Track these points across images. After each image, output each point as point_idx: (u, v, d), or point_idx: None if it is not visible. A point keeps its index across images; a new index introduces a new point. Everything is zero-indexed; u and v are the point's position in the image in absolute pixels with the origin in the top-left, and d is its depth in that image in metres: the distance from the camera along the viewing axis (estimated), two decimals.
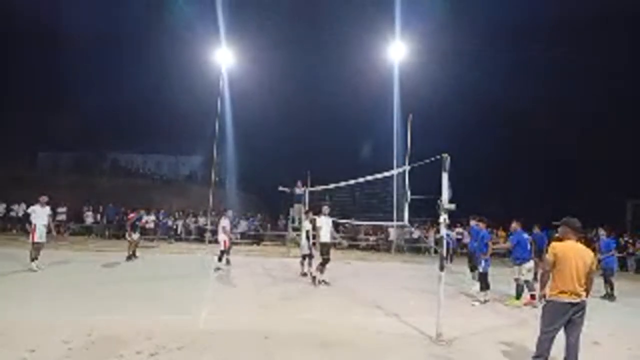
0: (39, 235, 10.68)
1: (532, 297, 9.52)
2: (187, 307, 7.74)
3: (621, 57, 30.35)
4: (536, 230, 11.62)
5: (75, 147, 33.28)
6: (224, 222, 12.83)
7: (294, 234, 18.22)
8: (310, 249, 11.83)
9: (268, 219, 24.75)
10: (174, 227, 22.36)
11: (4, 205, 21.23)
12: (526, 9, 32.73)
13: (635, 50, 30.02)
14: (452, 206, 6.62)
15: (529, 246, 9.82)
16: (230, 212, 13.17)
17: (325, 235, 10.95)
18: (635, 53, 29.85)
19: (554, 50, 30.03)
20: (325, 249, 10.88)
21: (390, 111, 23.76)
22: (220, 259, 12.50)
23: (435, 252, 19.81)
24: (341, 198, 13.83)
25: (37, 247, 10.63)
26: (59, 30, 31.99)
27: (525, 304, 9.47)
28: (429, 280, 9.63)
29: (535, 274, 10.51)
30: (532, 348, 4.95)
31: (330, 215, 11.51)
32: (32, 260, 10.49)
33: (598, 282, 10.57)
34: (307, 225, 12.03)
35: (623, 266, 19.64)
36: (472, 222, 10.79)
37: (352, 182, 13.01)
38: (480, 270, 9.67)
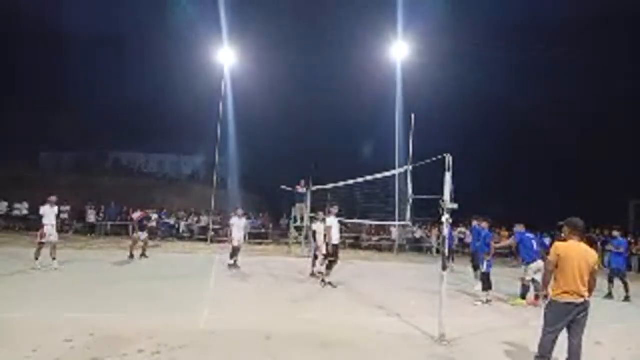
0: (49, 234, 10.72)
1: (537, 297, 9.50)
2: (188, 306, 7.75)
3: (621, 57, 30.27)
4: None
5: (77, 147, 33.34)
6: (233, 221, 12.85)
7: (296, 233, 18.24)
8: (317, 249, 11.78)
9: (270, 218, 24.74)
10: (177, 226, 22.38)
11: (6, 204, 21.26)
12: (527, 9, 32.77)
13: (636, 50, 29.94)
14: (455, 205, 6.61)
15: (534, 246, 9.78)
16: (240, 211, 13.15)
17: (335, 236, 10.82)
18: (635, 53, 29.77)
19: (555, 50, 29.91)
20: (334, 250, 10.77)
21: (392, 111, 23.76)
22: (231, 257, 12.53)
23: (437, 252, 19.78)
24: (343, 198, 13.83)
25: (48, 247, 10.66)
26: (61, 30, 32.12)
27: (529, 305, 9.45)
28: (431, 280, 9.62)
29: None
30: (535, 348, 4.94)
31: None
32: (36, 259, 10.48)
33: (601, 283, 10.57)
34: (314, 226, 11.92)
35: (627, 266, 19.59)
36: (474, 222, 10.80)
37: (353, 182, 13.01)
38: (483, 270, 9.65)
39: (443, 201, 6.59)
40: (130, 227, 13.99)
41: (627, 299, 11.08)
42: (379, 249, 22.61)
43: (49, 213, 10.87)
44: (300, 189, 16.66)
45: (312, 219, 16.85)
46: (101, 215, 22.02)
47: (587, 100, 32.05)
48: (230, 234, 12.79)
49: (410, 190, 8.89)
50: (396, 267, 16.51)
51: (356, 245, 22.70)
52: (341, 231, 11.59)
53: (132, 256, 13.24)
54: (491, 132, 33.83)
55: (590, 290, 4.83)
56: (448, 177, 6.58)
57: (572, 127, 32.06)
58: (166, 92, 35.04)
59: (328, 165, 23.36)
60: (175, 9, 29.83)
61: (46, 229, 10.71)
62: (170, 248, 17.77)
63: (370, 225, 22.15)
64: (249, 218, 23.73)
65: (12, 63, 32.56)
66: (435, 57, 28.41)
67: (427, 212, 19.71)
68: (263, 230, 23.40)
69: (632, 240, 21.01)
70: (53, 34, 32.27)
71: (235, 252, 12.58)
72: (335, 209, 11.06)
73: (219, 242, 20.38)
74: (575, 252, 4.82)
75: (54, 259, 10.56)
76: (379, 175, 11.44)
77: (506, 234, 19.31)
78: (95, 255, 13.75)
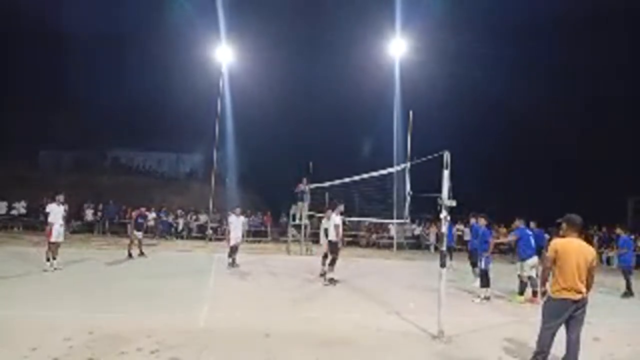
0: (56, 234, 10.51)
1: (535, 294, 9.52)
2: (187, 304, 7.76)
3: (621, 57, 30.32)
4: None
5: (76, 146, 33.26)
6: (231, 219, 12.85)
7: (295, 231, 18.24)
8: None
9: (269, 216, 24.75)
10: (175, 225, 22.39)
11: (6, 204, 21.25)
12: (527, 8, 32.71)
13: (636, 49, 29.98)
14: (453, 203, 6.62)
15: (532, 243, 9.83)
16: (238, 210, 13.13)
17: (336, 234, 10.83)
18: (635, 52, 29.81)
19: (554, 49, 29.98)
20: (335, 247, 10.82)
21: (391, 109, 23.78)
22: (229, 256, 12.53)
23: (436, 249, 19.81)
24: (341, 196, 13.82)
25: (55, 247, 10.48)
26: (60, 30, 32.01)
27: (528, 302, 9.46)
28: (430, 278, 9.62)
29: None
30: (533, 345, 4.95)
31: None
32: (48, 259, 10.34)
33: (601, 280, 10.61)
34: (324, 223, 11.89)
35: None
36: (472, 220, 10.81)
37: (353, 179, 13.00)
38: (481, 267, 9.67)
39: (441, 198, 6.60)
40: (129, 226, 13.97)
41: (626, 294, 11.13)
42: (377, 246, 22.64)
43: (56, 212, 10.59)
44: (303, 187, 16.67)
45: (311, 217, 16.90)
46: (99, 214, 22.03)
47: (585, 98, 32.10)
48: (228, 233, 12.79)
49: (408, 188, 8.88)
50: (395, 264, 16.53)
51: (355, 243, 22.73)
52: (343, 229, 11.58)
53: (130, 255, 13.24)
54: (489, 130, 33.85)
55: (588, 287, 4.84)
56: (446, 174, 6.58)
57: (570, 125, 32.10)
58: (165, 91, 34.96)
59: (326, 163, 23.33)
60: (174, 8, 29.80)
61: (54, 229, 10.47)
62: (169, 247, 17.77)
63: (369, 223, 22.22)
64: (247, 216, 23.79)
65: (12, 63, 32.51)
66: (434, 55, 28.46)
67: (425, 210, 19.74)
68: (263, 229, 23.43)
69: (632, 237, 21.08)
70: (52, 33, 32.20)
71: (233, 251, 12.58)
72: (341, 207, 11.11)
73: (218, 240, 20.40)
74: (573, 249, 4.82)
75: (54, 258, 10.51)
76: (376, 173, 11.43)
77: (504, 230, 19.36)
78: (94, 255, 13.74)
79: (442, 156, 6.64)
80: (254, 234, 22.66)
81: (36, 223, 19.80)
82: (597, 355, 6.00)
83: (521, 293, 9.75)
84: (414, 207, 9.45)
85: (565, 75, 32.62)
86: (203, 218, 22.97)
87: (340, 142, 35.31)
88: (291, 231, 18.65)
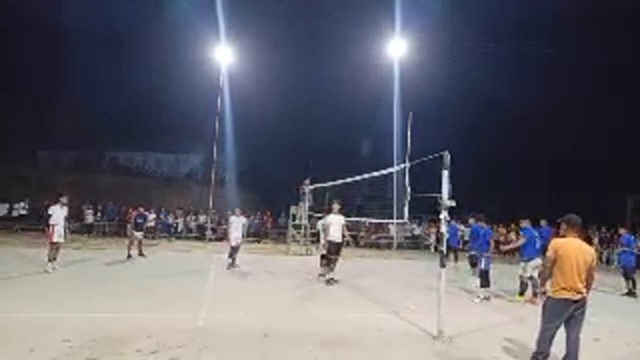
0: (58, 235, 10.44)
1: (535, 295, 9.50)
2: (187, 305, 7.74)
3: (620, 56, 30.34)
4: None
5: (75, 146, 33.21)
6: (231, 220, 12.83)
7: (294, 231, 18.23)
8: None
9: (268, 216, 24.74)
10: (174, 225, 22.36)
11: (7, 205, 21.23)
12: (527, 7, 32.69)
13: (635, 49, 30.00)
14: (452, 203, 6.62)
15: (537, 244, 9.80)
16: (238, 210, 13.08)
17: (334, 234, 10.73)
18: (635, 52, 29.83)
19: (554, 48, 29.96)
20: (333, 247, 10.69)
21: (390, 109, 23.79)
22: (230, 256, 12.49)
23: (436, 249, 19.80)
24: (341, 196, 13.83)
25: (55, 248, 10.42)
26: (59, 29, 32.00)
27: (528, 302, 9.45)
28: (430, 277, 9.62)
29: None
30: (533, 345, 4.94)
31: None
32: (50, 261, 10.28)
33: (601, 279, 10.61)
34: (319, 223, 11.86)
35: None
36: (471, 220, 10.75)
37: (352, 179, 12.98)
38: (482, 267, 9.66)
39: (441, 199, 6.59)
40: (128, 226, 13.95)
41: (629, 294, 11.14)
42: (377, 246, 22.64)
43: (59, 213, 10.52)
44: (305, 188, 16.67)
45: (311, 217, 16.88)
46: (99, 214, 21.99)
47: (584, 98, 32.12)
48: (228, 234, 12.77)
49: (408, 188, 8.86)
50: (395, 264, 16.53)
51: (354, 243, 22.71)
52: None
53: (129, 256, 13.21)
54: (489, 130, 33.87)
55: (587, 287, 4.84)
56: (446, 174, 6.58)
57: (570, 124, 32.15)
58: (164, 91, 34.92)
59: (325, 163, 23.36)
60: (173, 7, 29.77)
61: (56, 230, 10.39)
62: (169, 247, 17.75)
63: (369, 223, 22.21)
64: (247, 217, 23.79)
65: (10, 62, 32.45)
66: (433, 55, 28.43)
67: (425, 210, 19.76)
68: (263, 229, 23.42)
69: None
70: (51, 32, 32.18)
71: (233, 251, 12.57)
72: (336, 206, 11.02)
73: (217, 240, 20.39)
74: (573, 249, 4.82)
75: (54, 259, 10.48)
76: (376, 173, 11.41)
77: (504, 231, 19.39)
78: (94, 255, 13.71)
79: (441, 156, 6.64)
80: (254, 234, 22.64)
81: (37, 224, 19.75)
82: (597, 355, 6.00)
83: (522, 293, 9.74)
84: (414, 207, 9.44)
85: (564, 75, 32.64)
86: (202, 218, 22.95)
87: (340, 142, 35.29)
88: (291, 231, 18.63)
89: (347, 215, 12.18)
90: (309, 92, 36.86)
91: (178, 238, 21.58)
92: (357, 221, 20.85)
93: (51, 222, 10.42)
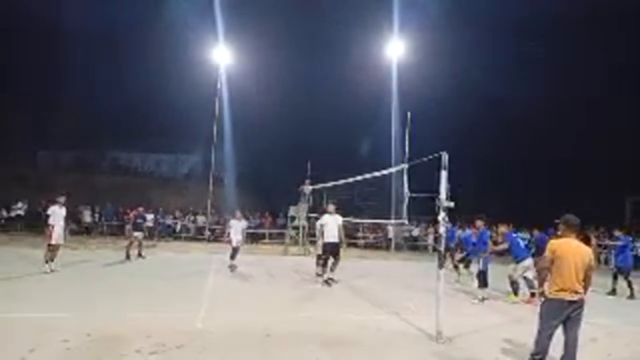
0: (57, 236, 10.38)
1: (532, 295, 9.51)
2: (186, 305, 7.75)
3: (620, 56, 30.37)
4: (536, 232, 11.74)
5: (74, 146, 33.25)
6: (232, 223, 12.79)
7: (293, 232, 18.26)
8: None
9: (267, 217, 24.75)
10: (173, 225, 22.37)
11: (7, 206, 21.21)
12: (526, 7, 32.73)
13: (635, 49, 30.01)
14: (451, 204, 6.63)
15: (522, 244, 9.92)
16: (238, 213, 13.02)
17: (330, 235, 10.63)
18: (635, 52, 29.84)
19: (553, 49, 30.02)
20: (329, 248, 10.59)
21: (389, 109, 23.81)
22: (231, 258, 12.37)
23: (434, 250, 19.82)
24: (340, 196, 13.82)
25: (54, 249, 10.34)
26: (59, 29, 32.03)
27: (526, 304, 9.45)
28: (429, 278, 9.62)
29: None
30: (531, 345, 4.95)
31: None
32: (47, 262, 10.21)
33: (598, 280, 10.60)
34: (317, 224, 11.81)
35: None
36: (479, 222, 10.45)
37: (351, 180, 12.99)
38: (480, 268, 9.66)
39: (439, 199, 6.60)
40: (127, 227, 13.94)
41: (631, 296, 11.11)
42: (376, 247, 22.64)
43: (57, 214, 10.45)
44: (306, 189, 16.67)
45: (310, 218, 16.90)
46: (97, 215, 21.98)
47: (584, 98, 32.13)
48: (228, 235, 12.74)
49: (406, 189, 8.87)
50: (394, 265, 16.55)
51: (353, 243, 22.73)
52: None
53: (128, 257, 13.18)
54: (488, 130, 33.89)
55: (585, 287, 4.85)
56: (444, 175, 6.59)
57: (569, 125, 32.15)
58: (163, 92, 34.97)
59: (324, 164, 23.35)
60: (173, 9, 29.80)
61: (56, 230, 10.34)
62: (167, 248, 17.76)
63: (368, 223, 22.23)
64: (247, 219, 23.79)
65: (10, 62, 32.46)
66: (432, 55, 28.49)
67: (424, 211, 19.76)
68: (261, 230, 23.41)
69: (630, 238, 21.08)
70: (51, 32, 32.23)
71: (234, 252, 12.57)
72: (331, 207, 10.97)
73: (216, 241, 20.38)
74: (570, 249, 4.83)
75: (52, 260, 10.43)
76: (376, 174, 11.41)
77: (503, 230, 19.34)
78: (92, 256, 13.73)
79: (440, 157, 6.65)
80: (253, 235, 22.62)
81: (36, 224, 19.73)
82: (595, 356, 6.01)
83: (515, 293, 9.75)
84: (412, 208, 9.44)
85: (564, 75, 32.69)
86: (201, 219, 22.96)
87: (340, 142, 35.35)
88: (290, 232, 18.64)
89: (344, 215, 12.17)
90: (309, 93, 36.92)
91: (177, 238, 21.59)
92: (355, 222, 20.89)
93: (50, 222, 10.38)
